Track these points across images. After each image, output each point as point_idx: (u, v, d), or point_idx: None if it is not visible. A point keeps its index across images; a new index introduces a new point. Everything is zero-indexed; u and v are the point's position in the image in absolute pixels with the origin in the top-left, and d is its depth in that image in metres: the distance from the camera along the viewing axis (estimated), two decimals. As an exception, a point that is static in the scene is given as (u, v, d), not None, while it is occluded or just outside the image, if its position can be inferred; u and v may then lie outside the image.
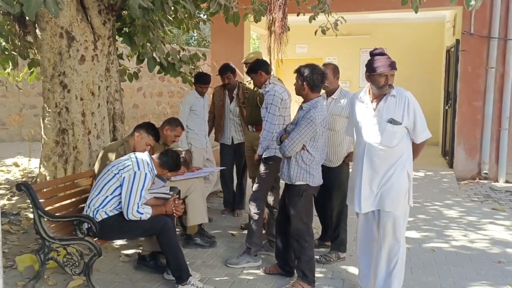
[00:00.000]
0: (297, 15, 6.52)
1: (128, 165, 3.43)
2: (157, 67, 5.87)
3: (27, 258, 3.84)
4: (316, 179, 3.49)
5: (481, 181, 7.63)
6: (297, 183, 3.44)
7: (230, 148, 5.49)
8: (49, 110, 4.99)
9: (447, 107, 8.92)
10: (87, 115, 4.98)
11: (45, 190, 3.74)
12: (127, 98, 12.07)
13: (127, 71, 6.38)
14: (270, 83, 4.12)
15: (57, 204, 3.74)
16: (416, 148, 3.23)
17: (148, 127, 3.99)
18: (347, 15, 6.43)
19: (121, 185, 3.40)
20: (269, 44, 3.97)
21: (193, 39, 18.83)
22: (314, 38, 7.41)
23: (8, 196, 5.85)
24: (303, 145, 3.37)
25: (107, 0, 4.76)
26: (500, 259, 4.28)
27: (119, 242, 4.45)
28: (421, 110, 3.16)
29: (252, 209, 4.08)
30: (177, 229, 4.58)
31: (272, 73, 4.28)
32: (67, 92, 4.90)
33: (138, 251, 4.14)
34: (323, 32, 6.79)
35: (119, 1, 4.78)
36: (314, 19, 6.29)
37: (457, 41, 7.92)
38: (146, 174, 3.41)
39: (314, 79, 3.41)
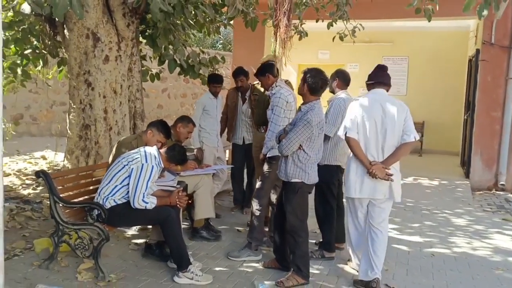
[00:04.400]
0: (316, 22, 6.68)
1: (137, 158, 3.66)
2: (178, 69, 6.13)
3: (44, 241, 4.13)
4: (312, 178, 3.64)
5: (497, 192, 7.54)
6: (293, 180, 3.60)
7: (241, 148, 5.68)
8: (74, 106, 5.30)
9: (465, 117, 8.86)
10: (109, 112, 5.27)
11: (61, 178, 4.04)
12: (152, 98, 12.46)
13: (150, 71, 6.66)
14: (276, 86, 4.29)
15: (72, 192, 4.04)
16: None
17: (159, 125, 4.16)
18: (369, 23, 6.52)
19: (129, 176, 3.63)
20: (274, 49, 4.17)
21: (218, 42, 19.19)
22: (336, 44, 7.47)
23: (34, 186, 6.22)
24: (300, 145, 3.53)
25: (131, 4, 5.03)
26: (499, 267, 4.30)
27: (130, 232, 4.70)
28: (348, 112, 3.70)
29: (255, 205, 4.26)
30: (186, 222, 4.82)
31: (279, 76, 4.45)
32: (91, 89, 5.20)
33: (147, 240, 4.37)
34: (341, 38, 6.91)
35: (142, 4, 5.03)
36: (332, 26, 6.43)
37: (477, 50, 7.90)
38: (153, 166, 3.64)
39: (315, 83, 3.59)
